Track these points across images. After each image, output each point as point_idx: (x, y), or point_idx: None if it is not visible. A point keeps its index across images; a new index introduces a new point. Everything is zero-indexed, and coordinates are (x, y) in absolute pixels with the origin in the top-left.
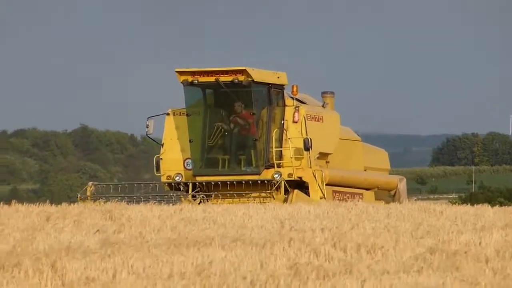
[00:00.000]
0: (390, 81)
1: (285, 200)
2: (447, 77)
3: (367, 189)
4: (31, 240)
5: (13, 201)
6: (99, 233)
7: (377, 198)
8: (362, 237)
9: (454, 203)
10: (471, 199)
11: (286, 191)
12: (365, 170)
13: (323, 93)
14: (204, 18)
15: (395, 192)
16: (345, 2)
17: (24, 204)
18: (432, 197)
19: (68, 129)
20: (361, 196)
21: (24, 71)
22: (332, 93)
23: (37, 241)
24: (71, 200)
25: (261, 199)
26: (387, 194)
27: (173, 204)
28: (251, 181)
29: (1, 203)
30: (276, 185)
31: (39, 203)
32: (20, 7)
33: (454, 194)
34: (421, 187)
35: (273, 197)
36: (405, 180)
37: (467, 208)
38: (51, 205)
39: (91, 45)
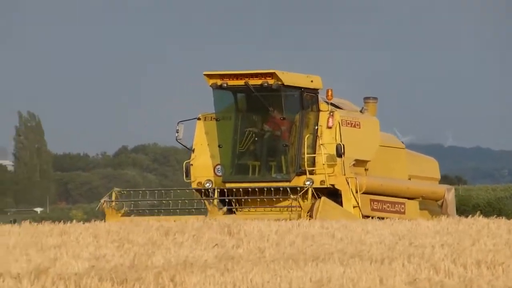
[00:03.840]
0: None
1: (311, 208)
2: None
3: (410, 198)
4: (150, 254)
5: (133, 216)
6: (218, 248)
7: (423, 208)
8: (482, 253)
9: None
10: None
11: (314, 199)
12: (410, 178)
13: (365, 98)
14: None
15: (442, 202)
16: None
17: (144, 218)
18: None
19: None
20: (403, 206)
21: (142, 89)
22: (375, 98)
23: (156, 255)
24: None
25: (289, 208)
26: (435, 205)
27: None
28: (281, 188)
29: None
30: (301, 192)
31: (159, 218)
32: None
33: None
34: None
35: (299, 204)
36: (453, 190)
37: None
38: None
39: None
